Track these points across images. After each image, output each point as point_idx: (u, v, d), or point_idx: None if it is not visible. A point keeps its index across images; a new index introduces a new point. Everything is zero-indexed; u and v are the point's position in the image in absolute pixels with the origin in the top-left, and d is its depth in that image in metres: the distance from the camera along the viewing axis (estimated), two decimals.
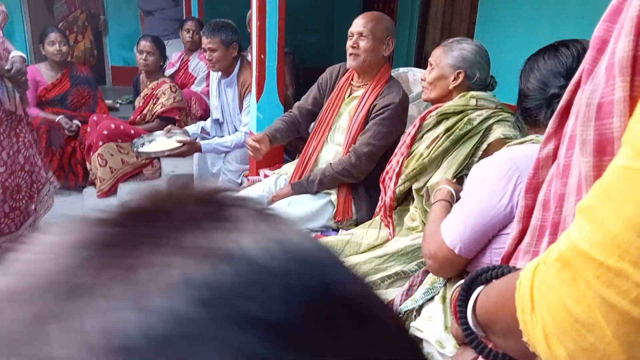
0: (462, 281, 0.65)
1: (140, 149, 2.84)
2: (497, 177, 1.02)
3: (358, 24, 1.95)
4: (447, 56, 1.61)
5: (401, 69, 3.03)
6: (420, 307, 1.23)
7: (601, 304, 0.38)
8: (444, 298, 1.18)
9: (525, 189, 0.66)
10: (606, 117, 0.46)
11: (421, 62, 5.04)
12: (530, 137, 1.09)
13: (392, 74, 2.94)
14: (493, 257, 1.07)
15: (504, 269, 0.61)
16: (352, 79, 2.10)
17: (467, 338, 0.61)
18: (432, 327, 1.14)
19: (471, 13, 4.27)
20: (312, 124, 2.30)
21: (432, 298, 1.20)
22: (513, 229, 0.68)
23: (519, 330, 0.45)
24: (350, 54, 1.97)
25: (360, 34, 1.94)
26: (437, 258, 1.12)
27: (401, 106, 1.94)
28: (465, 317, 0.61)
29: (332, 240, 1.81)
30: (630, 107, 0.44)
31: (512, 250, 0.68)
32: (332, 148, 2.13)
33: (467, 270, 1.15)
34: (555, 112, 0.62)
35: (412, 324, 1.22)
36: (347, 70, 2.11)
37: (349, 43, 1.96)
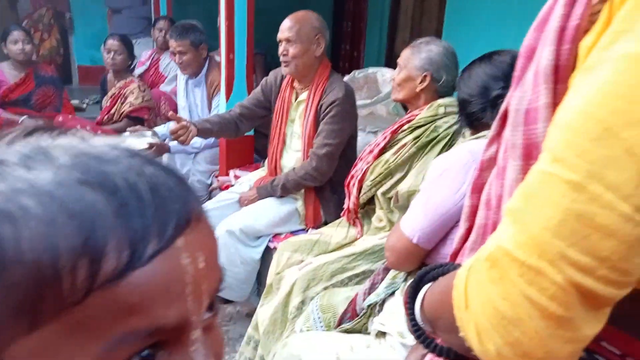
0: (413, 279, 0.68)
1: None
2: (456, 169, 1.07)
3: (284, 30, 1.91)
4: (414, 58, 1.61)
5: (370, 69, 3.06)
6: (384, 302, 1.26)
7: (524, 301, 0.40)
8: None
9: (470, 189, 0.69)
10: (532, 123, 0.49)
11: (391, 61, 5.09)
12: (483, 133, 1.15)
13: (361, 75, 2.98)
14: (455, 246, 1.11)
15: (450, 266, 0.64)
16: (293, 83, 2.08)
17: (415, 333, 0.63)
18: (394, 320, 1.18)
19: (440, 13, 4.34)
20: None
21: (393, 293, 1.23)
22: (460, 227, 0.71)
23: (457, 326, 0.47)
24: (283, 62, 1.94)
25: (288, 40, 1.90)
26: (395, 249, 1.16)
27: (347, 100, 1.93)
28: (414, 314, 0.64)
29: (301, 239, 1.83)
30: (552, 114, 0.46)
31: (459, 247, 0.71)
32: (292, 155, 2.13)
33: (426, 264, 1.18)
34: (497, 117, 0.65)
35: (375, 319, 1.25)
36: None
37: (279, 50, 1.93)
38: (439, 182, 1.11)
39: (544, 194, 0.40)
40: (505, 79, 1.14)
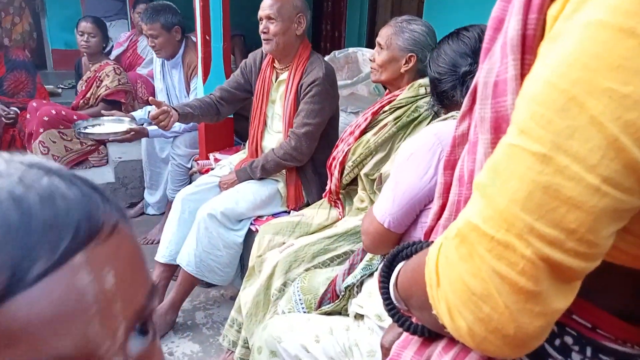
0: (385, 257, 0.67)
1: (83, 131, 2.72)
2: (422, 153, 1.06)
3: (265, 7, 1.90)
4: (398, 38, 1.56)
5: (350, 49, 3.04)
6: (362, 284, 1.26)
7: (493, 276, 0.40)
8: None
9: (443, 166, 0.69)
10: (501, 95, 0.48)
11: (372, 42, 5.05)
12: (451, 114, 1.15)
13: (341, 55, 2.95)
14: (425, 230, 1.10)
15: (423, 244, 0.63)
16: (274, 63, 2.06)
17: (389, 312, 0.63)
18: (372, 302, 1.18)
19: None
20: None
21: (372, 274, 1.24)
22: (434, 205, 0.71)
23: (430, 303, 0.47)
24: (264, 40, 1.93)
25: (269, 17, 1.89)
26: (369, 233, 1.16)
27: (327, 79, 1.92)
28: (388, 292, 0.64)
29: (282, 221, 1.82)
30: (521, 85, 0.45)
31: (433, 225, 0.71)
32: (273, 136, 2.11)
33: None
34: (468, 92, 0.64)
35: (354, 300, 1.25)
36: (267, 54, 2.07)
37: (260, 28, 1.92)
38: (406, 166, 1.09)
39: (510, 167, 0.40)
40: (474, 54, 1.14)
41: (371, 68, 1.67)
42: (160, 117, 1.95)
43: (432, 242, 0.64)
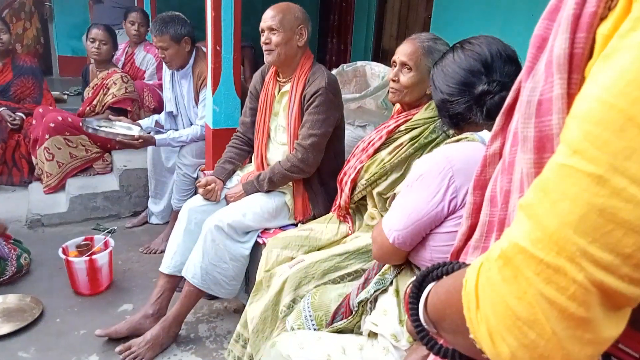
0: (414, 277, 0.65)
1: (92, 126, 2.72)
2: (432, 175, 1.03)
3: (266, 18, 1.91)
4: (427, 59, 1.48)
5: (359, 63, 3.03)
6: (376, 300, 1.23)
7: (541, 301, 0.38)
8: (397, 291, 1.18)
9: (473, 185, 0.67)
10: (545, 115, 0.46)
11: (379, 56, 5.08)
12: (465, 134, 1.09)
13: (349, 68, 2.95)
14: (433, 254, 1.08)
15: (454, 265, 0.61)
16: (277, 76, 2.07)
17: (418, 335, 0.61)
18: (387, 320, 1.15)
19: (427, 7, 4.33)
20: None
21: (386, 290, 1.21)
22: (462, 225, 0.69)
23: (466, 327, 0.45)
24: (265, 50, 1.94)
25: (271, 29, 1.90)
26: (377, 243, 1.14)
27: (330, 89, 1.91)
28: (417, 314, 0.61)
29: (290, 235, 1.80)
30: (567, 104, 0.44)
31: (462, 245, 0.69)
32: (278, 148, 2.10)
33: (412, 262, 1.16)
34: (502, 110, 0.63)
35: (367, 318, 1.22)
36: (271, 67, 2.08)
37: (262, 39, 1.93)
38: (415, 187, 1.06)
39: (562, 187, 0.38)
40: (487, 70, 1.07)
41: (392, 89, 1.57)
42: (208, 196, 2.09)
43: (466, 263, 0.62)
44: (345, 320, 1.28)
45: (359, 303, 1.26)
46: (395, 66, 1.54)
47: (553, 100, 0.46)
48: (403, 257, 1.16)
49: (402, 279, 1.19)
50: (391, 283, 1.22)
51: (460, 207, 1.01)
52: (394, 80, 1.55)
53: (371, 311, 1.23)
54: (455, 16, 3.76)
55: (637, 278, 0.36)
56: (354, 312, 1.26)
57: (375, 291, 1.24)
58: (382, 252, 1.15)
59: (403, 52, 1.52)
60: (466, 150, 1.03)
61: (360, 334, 1.25)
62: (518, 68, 1.09)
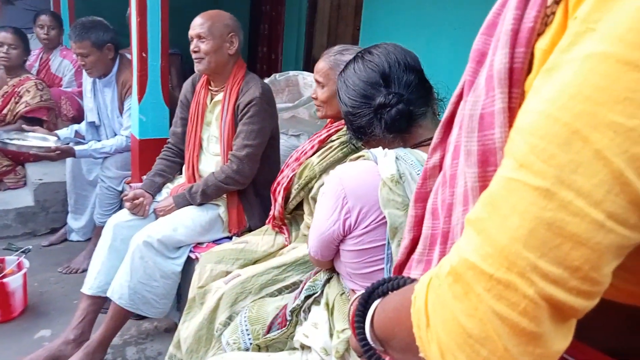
0: (360, 293, 0.64)
1: (2, 140, 2.48)
2: (328, 196, 1.05)
3: (195, 26, 1.88)
4: (335, 73, 1.48)
5: (291, 73, 3.04)
6: (310, 311, 1.23)
7: (492, 317, 0.38)
8: (327, 305, 1.17)
9: (414, 198, 0.67)
10: (488, 129, 0.47)
11: (310, 65, 5.11)
12: (362, 152, 1.08)
13: (282, 77, 2.94)
14: (347, 268, 1.12)
15: (399, 280, 0.60)
16: (209, 85, 2.02)
17: (365, 354, 0.60)
18: (318, 333, 1.14)
19: (356, 19, 4.43)
20: None
21: (318, 302, 1.20)
22: (404, 239, 0.69)
23: (416, 345, 0.44)
24: (195, 59, 1.90)
25: (199, 36, 1.87)
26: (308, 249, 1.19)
27: (264, 98, 1.89)
28: (363, 332, 0.60)
29: (224, 249, 1.73)
30: (510, 118, 0.45)
31: (404, 259, 0.68)
32: (210, 159, 2.04)
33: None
34: (440, 123, 0.63)
35: (299, 328, 1.21)
36: (202, 75, 2.03)
37: (191, 47, 1.89)
38: (320, 203, 1.09)
39: (510, 202, 0.38)
40: (385, 81, 1.07)
41: (316, 105, 1.61)
42: (136, 210, 1.97)
43: (411, 278, 0.62)
44: (280, 330, 1.25)
45: (292, 312, 1.24)
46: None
47: (495, 114, 0.46)
48: (327, 265, 1.19)
49: (330, 291, 1.19)
50: (321, 293, 1.22)
51: (355, 227, 1.03)
52: (314, 98, 1.59)
53: (304, 321, 1.22)
54: (384, 29, 3.87)
55: (584, 290, 0.36)
56: (288, 323, 1.24)
57: (306, 297, 1.24)
58: (312, 259, 1.20)
59: (316, 69, 1.56)
60: (357, 172, 1.04)
61: (294, 348, 1.22)
62: (418, 76, 1.10)
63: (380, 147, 1.06)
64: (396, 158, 1.01)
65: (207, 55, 1.85)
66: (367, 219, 1.02)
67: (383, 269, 1.03)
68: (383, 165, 1.00)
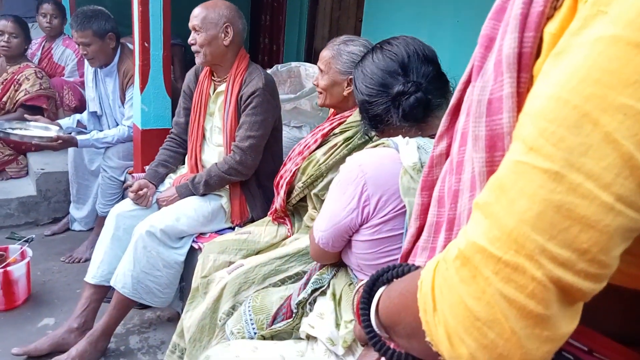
0: (364, 281, 0.64)
1: (3, 130, 2.48)
2: (347, 183, 1.04)
3: (192, 17, 1.87)
4: (336, 62, 1.52)
5: (293, 64, 3.02)
6: (315, 302, 1.23)
7: (500, 300, 0.38)
8: (333, 295, 1.18)
9: (420, 186, 0.67)
10: (496, 113, 0.47)
11: (311, 57, 5.09)
12: (381, 140, 1.09)
13: (284, 69, 2.93)
14: (358, 260, 1.10)
15: (404, 267, 0.61)
16: (212, 75, 2.02)
17: (370, 340, 0.60)
18: (324, 324, 1.14)
19: (358, 11, 4.41)
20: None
21: (324, 293, 1.20)
22: (410, 227, 0.69)
23: (422, 330, 0.44)
24: (193, 51, 1.89)
25: (194, 29, 1.86)
26: (311, 242, 1.17)
27: (267, 89, 1.88)
28: (369, 319, 0.60)
29: (227, 239, 1.74)
30: (518, 103, 0.45)
31: (410, 247, 0.69)
32: (213, 150, 2.04)
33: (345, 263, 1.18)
34: (447, 111, 0.63)
35: (304, 319, 1.21)
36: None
37: (189, 39, 1.88)
38: (334, 192, 1.08)
39: (519, 185, 0.38)
40: (404, 70, 1.08)
41: (317, 92, 1.63)
42: (140, 201, 1.97)
43: (416, 265, 0.62)
44: (285, 322, 1.25)
45: (298, 304, 1.25)
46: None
47: (503, 99, 0.46)
48: (333, 258, 1.17)
49: (337, 281, 1.19)
50: (328, 285, 1.22)
51: (374, 215, 1.02)
52: (315, 85, 1.61)
53: (309, 313, 1.22)
54: (386, 21, 3.85)
55: (593, 273, 0.36)
56: (294, 315, 1.24)
57: (312, 291, 1.23)
58: (314, 251, 1.18)
59: (320, 57, 1.58)
60: (378, 158, 1.04)
61: (299, 337, 1.23)
62: (436, 68, 1.11)
63: (400, 136, 1.06)
64: (417, 147, 1.01)
65: (202, 47, 1.85)
66: (386, 207, 1.01)
67: (398, 260, 1.04)
68: (405, 153, 0.99)
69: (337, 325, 1.12)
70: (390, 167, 1.00)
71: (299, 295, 1.26)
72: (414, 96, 1.06)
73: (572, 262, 0.36)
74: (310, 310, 1.24)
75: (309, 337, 1.19)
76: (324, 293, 1.23)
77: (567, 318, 0.39)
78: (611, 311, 0.47)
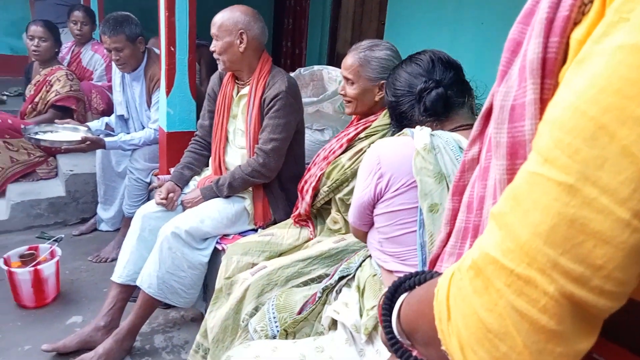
0: (387, 289, 0.64)
1: (34, 136, 2.55)
2: (364, 169, 1.13)
3: (212, 26, 1.89)
4: (365, 70, 1.52)
5: (316, 67, 3.03)
6: (340, 292, 1.27)
7: (512, 313, 0.37)
8: (358, 287, 1.21)
9: (451, 191, 0.67)
10: (518, 120, 0.46)
11: (333, 60, 5.11)
12: (405, 130, 1.15)
13: (307, 72, 2.94)
14: (379, 235, 1.17)
15: (427, 274, 0.60)
16: (235, 78, 2.04)
17: (392, 347, 0.60)
18: (348, 312, 1.17)
19: (380, 14, 4.40)
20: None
21: (349, 286, 1.24)
22: (440, 232, 0.69)
23: (438, 339, 0.44)
24: (215, 58, 1.93)
25: (214, 36, 1.88)
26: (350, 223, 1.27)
27: (290, 92, 1.89)
28: (390, 325, 0.60)
29: (250, 241, 1.75)
30: (540, 110, 0.44)
31: (439, 252, 0.68)
32: (236, 152, 2.06)
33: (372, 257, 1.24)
34: (480, 115, 0.62)
35: (329, 306, 1.24)
36: None
37: (211, 47, 1.91)
38: (358, 176, 1.17)
39: (533, 197, 0.37)
40: (428, 73, 1.20)
41: (344, 101, 1.62)
42: (166, 203, 2.01)
43: (438, 272, 0.61)
44: (310, 306, 1.31)
45: (324, 290, 1.30)
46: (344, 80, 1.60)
47: (526, 105, 0.45)
48: (364, 235, 1.25)
49: (362, 274, 1.23)
50: (353, 277, 1.26)
51: (386, 190, 1.10)
52: (343, 94, 1.60)
53: (333, 301, 1.25)
54: (408, 24, 3.84)
55: (608, 290, 0.35)
56: (317, 300, 1.29)
57: (340, 278, 1.29)
58: (352, 229, 1.28)
59: (344, 66, 1.57)
60: (395, 144, 1.12)
61: (319, 334, 1.24)
62: (458, 73, 1.21)
63: (418, 126, 1.14)
64: (431, 134, 1.08)
65: (221, 55, 1.88)
66: (398, 182, 1.08)
67: (414, 232, 1.08)
68: (417, 137, 1.07)
69: (361, 315, 1.16)
70: (403, 150, 1.09)
71: (327, 282, 1.32)
72: (434, 91, 1.16)
73: (586, 277, 0.35)
74: (335, 299, 1.28)
75: (329, 327, 1.21)
76: (349, 285, 1.27)
77: (583, 334, 0.37)
78: (637, 325, 0.46)
